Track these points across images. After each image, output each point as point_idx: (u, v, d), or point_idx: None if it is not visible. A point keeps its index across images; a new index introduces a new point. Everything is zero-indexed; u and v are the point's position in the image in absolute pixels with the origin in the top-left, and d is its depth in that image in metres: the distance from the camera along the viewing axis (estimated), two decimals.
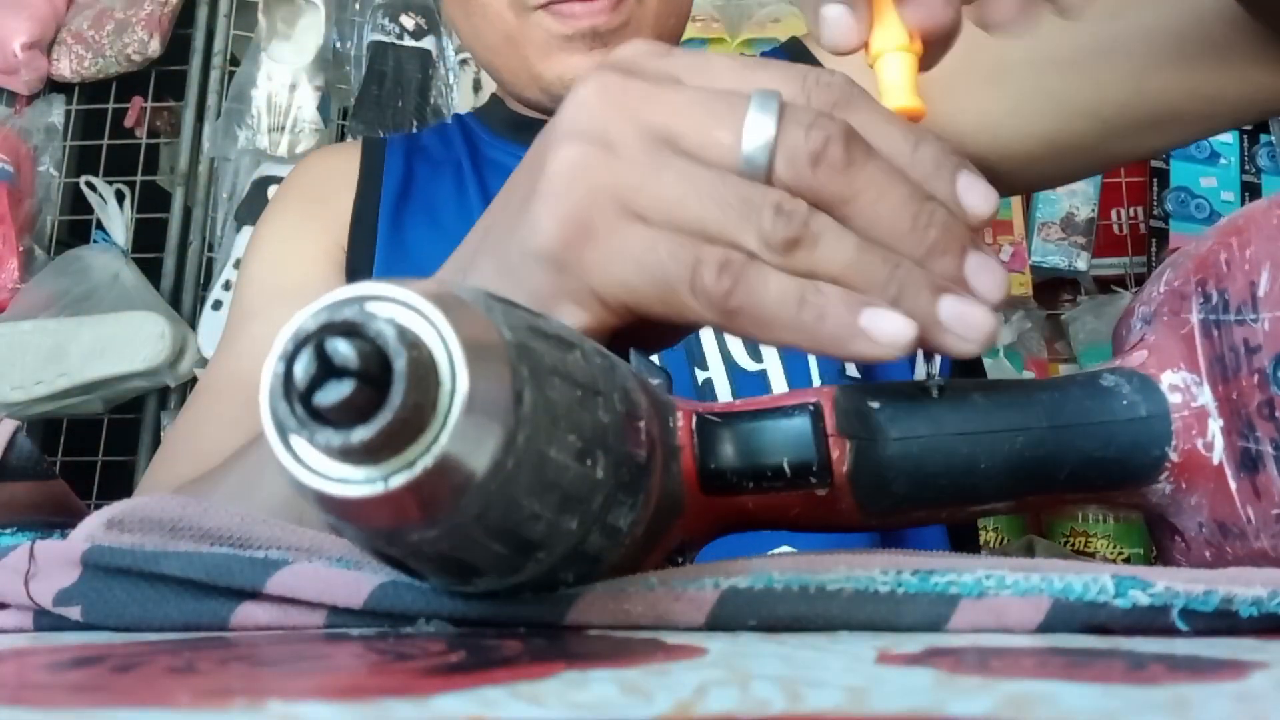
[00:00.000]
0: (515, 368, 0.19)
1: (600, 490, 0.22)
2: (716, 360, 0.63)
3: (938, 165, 0.29)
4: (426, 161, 0.78)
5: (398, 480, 0.17)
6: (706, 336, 0.64)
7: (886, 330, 0.27)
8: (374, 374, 0.17)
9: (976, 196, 0.29)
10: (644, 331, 0.32)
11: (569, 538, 0.21)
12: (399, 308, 0.18)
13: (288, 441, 0.18)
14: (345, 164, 0.78)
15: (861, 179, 0.28)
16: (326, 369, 0.17)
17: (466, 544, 0.20)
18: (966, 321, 0.27)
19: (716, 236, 0.28)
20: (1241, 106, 0.58)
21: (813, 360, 0.63)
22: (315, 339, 0.17)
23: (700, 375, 0.63)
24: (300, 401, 0.17)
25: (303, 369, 0.17)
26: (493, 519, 0.19)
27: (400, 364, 0.17)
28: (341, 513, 0.18)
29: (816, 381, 0.62)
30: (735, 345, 0.63)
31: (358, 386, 0.17)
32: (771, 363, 0.62)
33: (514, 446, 0.19)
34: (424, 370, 0.17)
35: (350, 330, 0.17)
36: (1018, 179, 0.69)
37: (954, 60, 0.62)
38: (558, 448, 0.20)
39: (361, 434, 0.17)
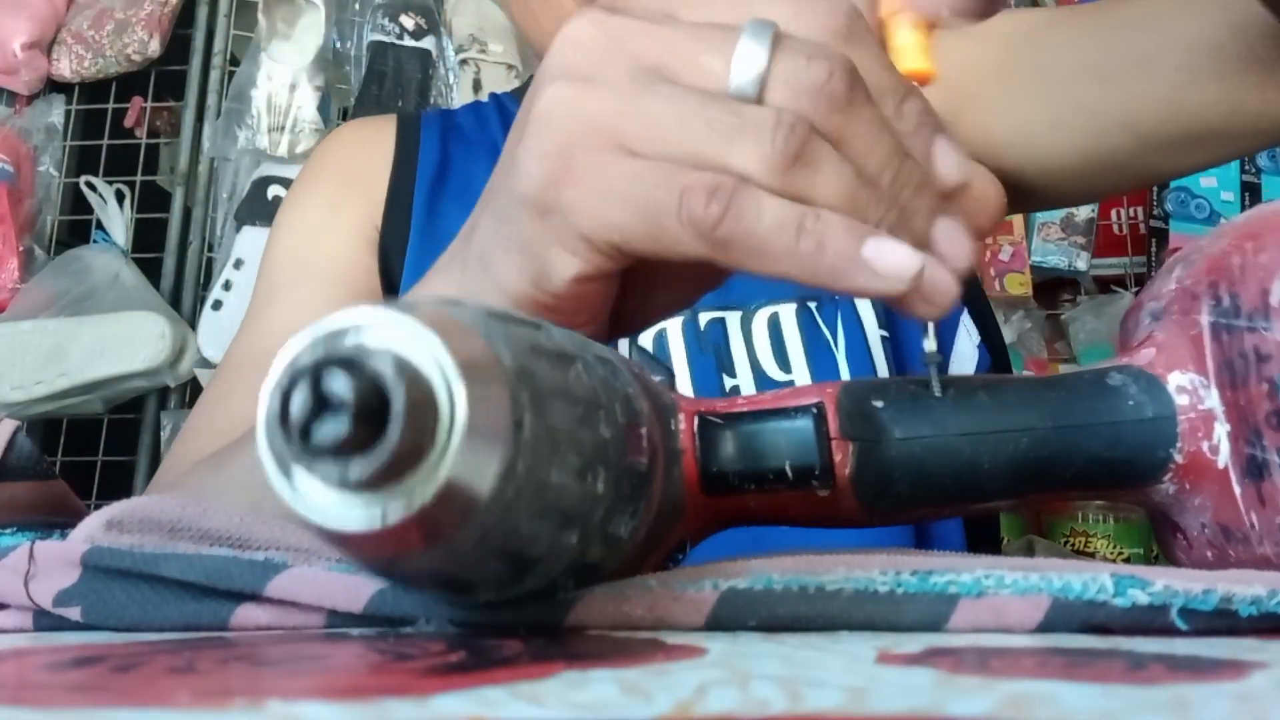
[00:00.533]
0: (515, 395, 0.19)
1: (601, 504, 0.21)
2: (745, 368, 0.62)
3: (919, 124, 0.28)
4: (462, 142, 0.76)
5: (395, 514, 0.17)
6: (736, 344, 0.63)
7: (891, 261, 0.26)
8: (371, 408, 0.16)
9: (950, 162, 0.28)
10: (650, 291, 0.31)
11: (569, 552, 0.21)
12: (397, 337, 0.17)
13: (286, 472, 0.17)
14: (380, 140, 0.76)
15: (858, 121, 0.27)
16: (322, 403, 0.17)
17: (466, 565, 0.20)
18: (934, 286, 0.26)
19: (708, 161, 0.26)
20: None
21: (843, 366, 0.61)
22: (311, 373, 0.17)
23: (728, 382, 0.62)
24: (298, 435, 0.17)
25: (299, 405, 0.17)
26: (493, 543, 0.19)
27: (398, 400, 0.16)
28: (340, 544, 0.18)
29: None
30: (764, 354, 0.62)
31: (355, 423, 0.16)
32: (800, 372, 0.61)
33: (514, 474, 0.19)
34: (422, 404, 0.17)
35: (347, 364, 0.17)
36: (1053, 193, 0.68)
37: (993, 70, 0.61)
38: (558, 470, 0.20)
39: (359, 469, 0.16)
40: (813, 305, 0.63)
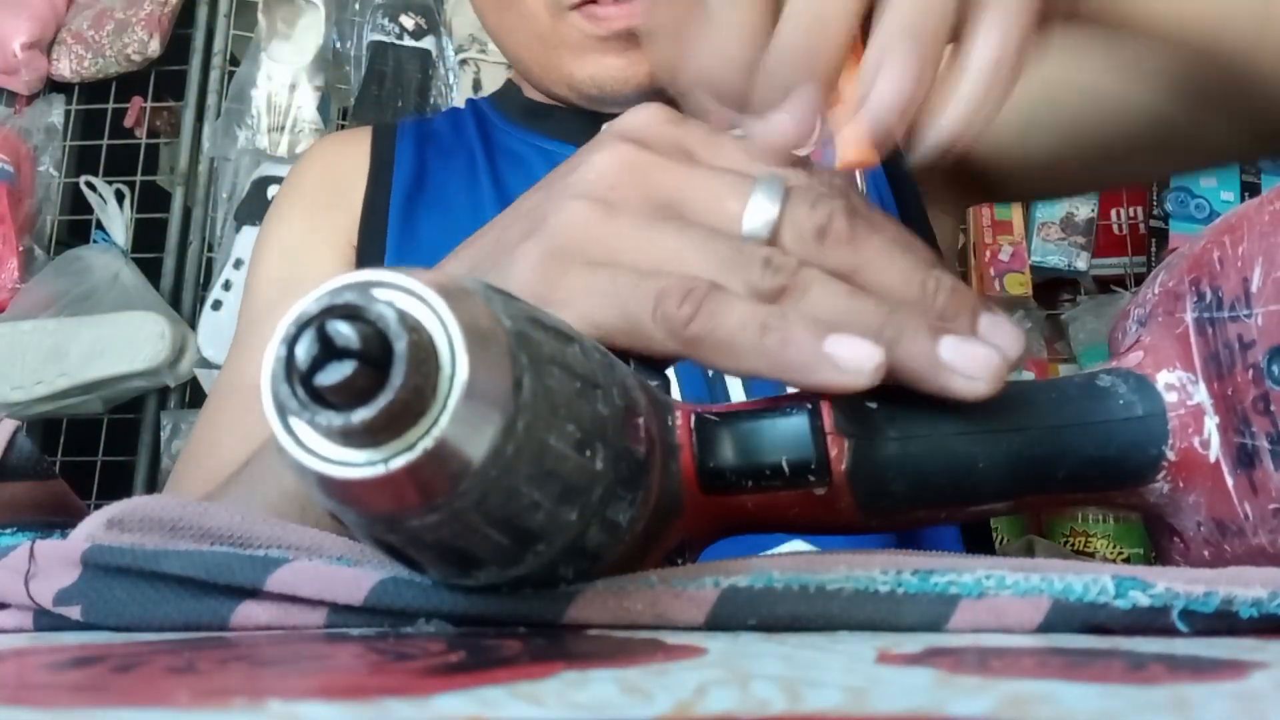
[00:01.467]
0: (515, 355, 0.19)
1: (600, 482, 0.22)
2: (736, 383, 0.62)
3: (952, 297, 0.29)
4: (438, 150, 0.76)
5: (398, 462, 0.17)
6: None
7: (851, 356, 0.26)
8: (375, 356, 0.17)
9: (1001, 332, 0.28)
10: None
11: (568, 530, 0.21)
12: (401, 293, 0.18)
13: (288, 424, 0.18)
14: (355, 154, 0.76)
15: (867, 250, 0.28)
16: (328, 351, 0.17)
17: (466, 532, 0.20)
18: (970, 359, 0.27)
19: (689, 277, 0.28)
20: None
21: None
22: (317, 321, 0.17)
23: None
24: (301, 383, 0.17)
25: (304, 350, 0.17)
26: (492, 506, 0.19)
27: (401, 346, 0.17)
28: (342, 495, 0.18)
29: None
30: None
31: (359, 367, 0.17)
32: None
33: (514, 432, 0.19)
34: (424, 353, 0.17)
35: (352, 313, 0.17)
36: (1020, 186, 0.69)
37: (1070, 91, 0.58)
38: (557, 436, 0.20)
39: (362, 415, 0.17)
40: None
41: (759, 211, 0.29)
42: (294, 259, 0.72)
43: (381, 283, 0.18)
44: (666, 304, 0.28)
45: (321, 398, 0.17)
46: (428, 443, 0.17)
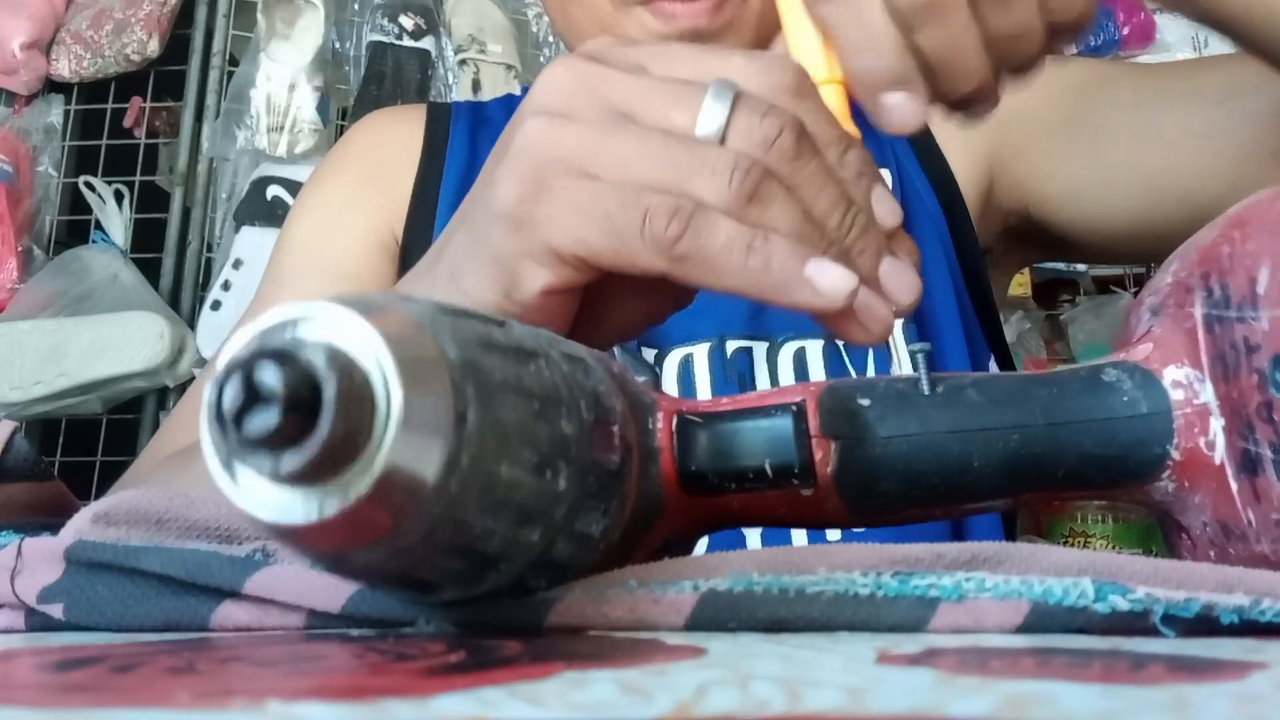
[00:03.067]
0: (459, 387, 0.19)
1: (563, 501, 0.21)
2: None
3: (859, 173, 0.31)
4: (492, 138, 0.73)
5: (332, 507, 0.17)
6: (760, 375, 0.62)
7: (829, 280, 0.28)
8: (305, 400, 0.17)
9: (884, 208, 0.31)
10: (615, 307, 0.33)
11: (531, 549, 0.21)
12: (336, 328, 0.17)
13: (230, 468, 0.17)
14: (408, 134, 0.74)
15: (805, 171, 0.30)
16: (256, 396, 0.17)
17: (417, 563, 0.19)
18: (869, 311, 0.29)
19: (668, 190, 0.29)
20: None
21: None
22: (244, 365, 0.17)
23: None
24: (233, 428, 0.17)
25: (230, 397, 0.17)
26: (441, 539, 0.19)
27: (329, 391, 0.16)
28: (280, 538, 0.18)
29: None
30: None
31: (285, 414, 0.16)
32: None
33: (457, 467, 0.18)
34: (355, 395, 0.17)
35: (281, 356, 0.17)
36: (1097, 250, 0.67)
37: (1045, 122, 0.61)
38: (510, 464, 0.20)
39: (291, 462, 0.16)
40: (841, 343, 0.63)
41: (709, 117, 0.30)
42: (327, 232, 0.71)
43: (316, 317, 0.18)
44: (655, 221, 0.28)
45: (253, 442, 0.17)
46: (361, 487, 0.17)
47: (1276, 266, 0.26)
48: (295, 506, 0.17)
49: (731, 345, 0.62)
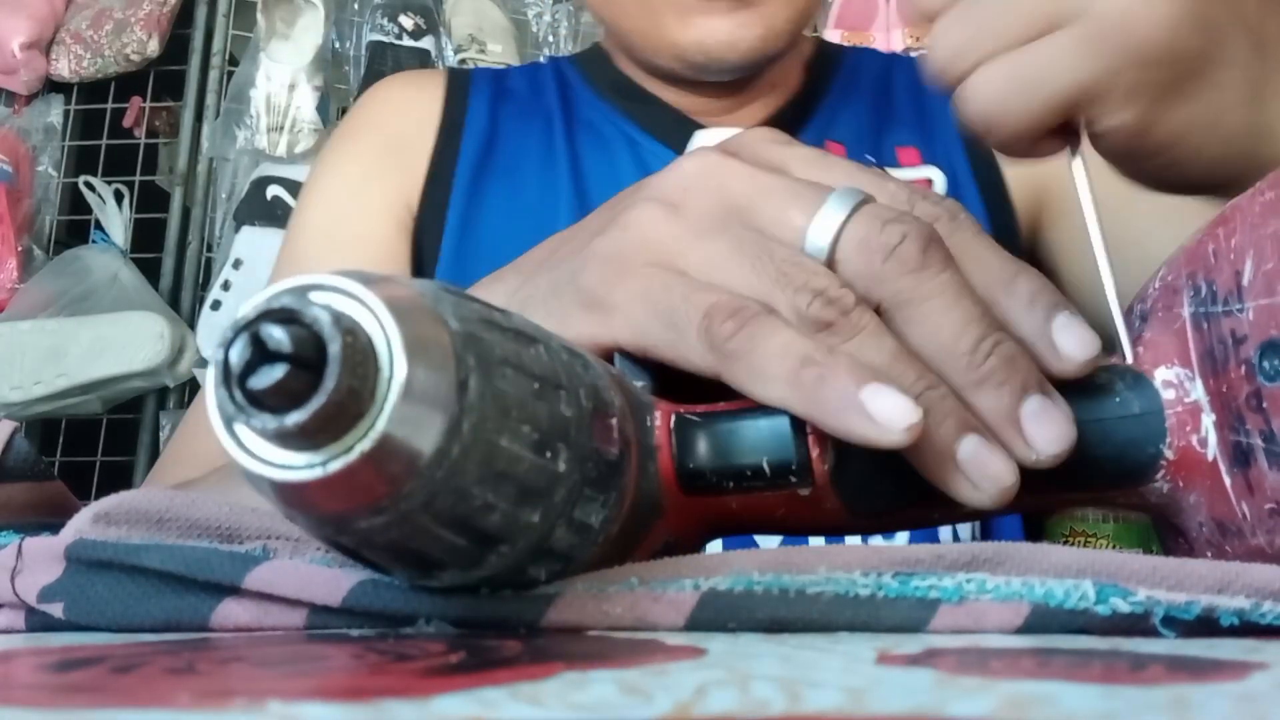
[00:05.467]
0: (460, 356, 0.19)
1: (563, 484, 0.22)
2: None
3: (1032, 300, 0.27)
4: (514, 111, 0.72)
5: (335, 464, 0.17)
6: None
7: (886, 409, 0.24)
8: (310, 359, 0.17)
9: (1073, 340, 0.27)
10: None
11: (531, 531, 0.21)
12: (340, 296, 0.18)
13: (232, 429, 0.18)
14: (426, 102, 0.71)
15: (931, 285, 0.26)
16: (263, 355, 0.17)
17: (418, 534, 0.20)
18: (983, 468, 0.25)
19: (744, 295, 0.27)
20: None
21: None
22: (252, 326, 0.17)
23: None
24: (238, 386, 0.17)
25: (237, 355, 0.17)
26: (441, 508, 0.19)
27: (334, 348, 0.17)
28: (285, 498, 0.18)
29: (946, 534, 0.58)
30: None
31: (291, 370, 0.17)
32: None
33: (458, 434, 0.19)
34: (359, 355, 0.17)
35: (287, 317, 0.17)
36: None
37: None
38: (510, 437, 0.20)
39: (296, 417, 0.17)
40: None
41: (825, 220, 0.28)
42: (342, 211, 0.69)
43: (321, 286, 0.18)
44: (713, 319, 0.27)
45: (259, 401, 0.17)
46: (365, 445, 0.17)
47: (1261, 257, 0.27)
48: (299, 464, 0.17)
49: None
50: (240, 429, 0.18)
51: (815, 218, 0.28)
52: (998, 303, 0.27)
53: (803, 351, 0.26)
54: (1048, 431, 0.26)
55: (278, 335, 0.17)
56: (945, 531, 0.60)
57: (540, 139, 0.70)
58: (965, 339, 0.26)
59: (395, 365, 0.18)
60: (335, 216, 0.69)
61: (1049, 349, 0.27)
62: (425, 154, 0.69)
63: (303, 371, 0.17)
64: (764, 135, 0.32)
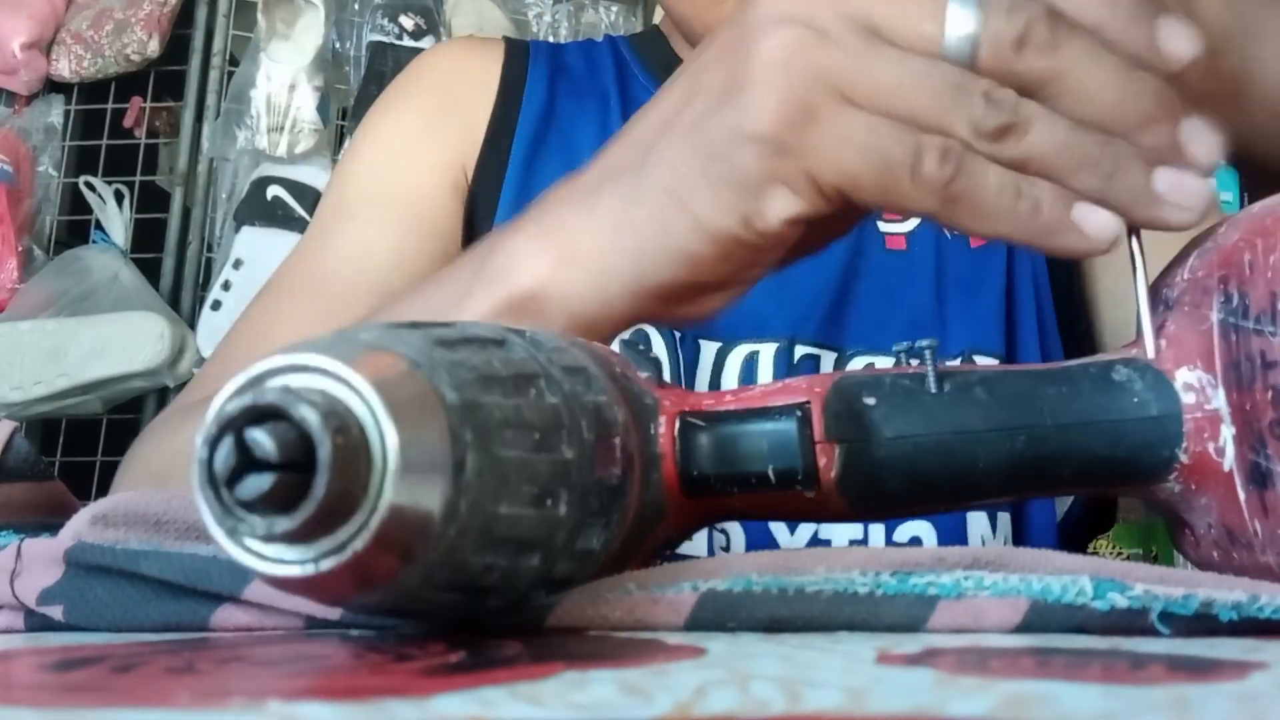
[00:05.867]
0: (456, 433, 0.18)
1: (564, 526, 0.21)
2: None
3: (1134, 15, 0.29)
4: (571, 88, 0.70)
5: (328, 562, 0.17)
6: None
7: (1095, 223, 0.28)
8: (299, 460, 0.16)
9: (1179, 39, 0.29)
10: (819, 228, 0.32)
11: (531, 573, 0.21)
12: (331, 380, 0.17)
13: (222, 524, 0.17)
14: (485, 67, 0.70)
15: (1068, 56, 0.28)
16: (249, 461, 0.16)
17: (416, 601, 0.19)
18: (1183, 191, 0.28)
19: (931, 124, 0.28)
20: None
21: (973, 519, 0.57)
22: (237, 426, 0.16)
23: None
24: (228, 489, 0.16)
25: (222, 461, 0.16)
26: (440, 580, 0.19)
27: (324, 452, 0.16)
28: (280, 587, 0.18)
29: (976, 539, 0.56)
30: None
31: (279, 479, 0.16)
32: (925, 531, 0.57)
33: (456, 515, 0.18)
34: (351, 454, 0.16)
35: (274, 414, 0.16)
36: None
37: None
38: (510, 502, 0.20)
39: (284, 525, 0.16)
40: (914, 363, 0.60)
41: (957, 25, 0.29)
42: (394, 165, 0.66)
43: (310, 368, 0.17)
44: (928, 162, 0.28)
45: (248, 505, 0.16)
46: (358, 544, 0.17)
47: None
48: (292, 561, 0.17)
49: (800, 350, 0.60)
50: (231, 525, 0.17)
51: (947, 25, 0.29)
52: (1108, 31, 0.29)
53: (1015, 184, 0.28)
54: (1206, 145, 0.29)
55: (265, 443, 0.16)
56: (974, 532, 0.58)
57: (596, 117, 0.68)
58: (1114, 91, 0.28)
59: (388, 454, 0.17)
60: (388, 168, 0.67)
61: (1159, 58, 0.29)
62: (483, 119, 0.68)
63: (292, 474, 0.16)
64: None
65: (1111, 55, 0.28)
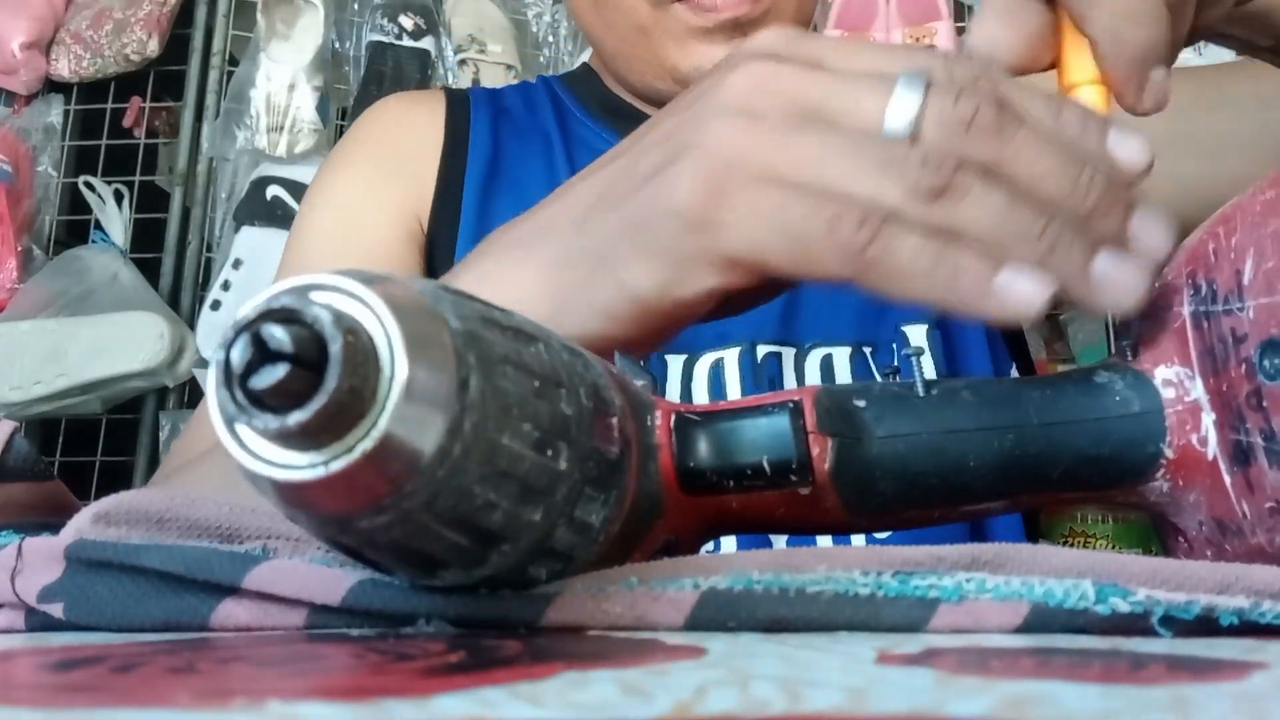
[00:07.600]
0: (461, 354, 0.19)
1: (564, 482, 0.22)
2: None
3: (1083, 125, 0.29)
4: (514, 131, 0.73)
5: (338, 464, 0.17)
6: (789, 380, 0.62)
7: (1020, 291, 0.27)
8: (311, 358, 0.17)
9: (1130, 149, 0.29)
10: (745, 293, 0.32)
11: (533, 530, 0.21)
12: (341, 296, 0.18)
13: (233, 429, 0.18)
14: (429, 120, 0.72)
15: (1016, 142, 0.28)
16: (264, 355, 0.17)
17: (420, 532, 0.20)
18: (1119, 279, 0.28)
19: (857, 193, 0.28)
20: None
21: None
22: (253, 326, 0.17)
23: None
24: (240, 387, 0.17)
25: (239, 355, 0.17)
26: (443, 506, 0.19)
27: (335, 348, 0.17)
28: (287, 498, 0.18)
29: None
30: None
31: (292, 370, 0.17)
32: None
33: (460, 432, 0.19)
34: (361, 355, 0.17)
35: (288, 317, 0.17)
36: None
37: (1171, 132, 0.58)
38: (511, 435, 0.20)
39: (298, 417, 0.17)
40: (868, 350, 0.62)
41: (901, 107, 0.29)
42: (350, 219, 0.69)
43: (322, 285, 0.18)
44: (842, 228, 0.28)
45: (260, 401, 0.17)
46: (367, 444, 0.17)
47: (1261, 255, 0.27)
48: (301, 464, 0.17)
49: (762, 350, 0.62)
50: (242, 429, 0.18)
51: (890, 105, 0.29)
52: (1057, 136, 0.29)
53: (935, 248, 0.28)
54: (1157, 235, 0.29)
55: (279, 335, 0.17)
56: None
57: (542, 157, 0.71)
58: (1065, 180, 0.28)
59: (396, 364, 0.18)
60: (343, 224, 0.69)
61: (1111, 166, 0.29)
62: (433, 168, 0.70)
63: (304, 371, 0.17)
64: (785, 34, 0.32)
65: (1061, 148, 0.28)
